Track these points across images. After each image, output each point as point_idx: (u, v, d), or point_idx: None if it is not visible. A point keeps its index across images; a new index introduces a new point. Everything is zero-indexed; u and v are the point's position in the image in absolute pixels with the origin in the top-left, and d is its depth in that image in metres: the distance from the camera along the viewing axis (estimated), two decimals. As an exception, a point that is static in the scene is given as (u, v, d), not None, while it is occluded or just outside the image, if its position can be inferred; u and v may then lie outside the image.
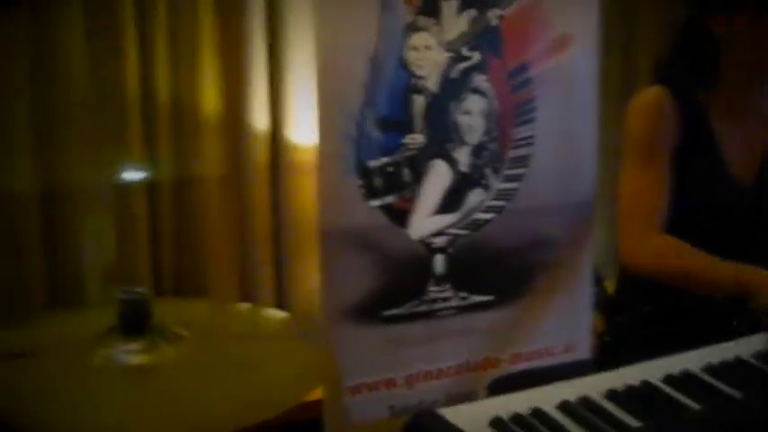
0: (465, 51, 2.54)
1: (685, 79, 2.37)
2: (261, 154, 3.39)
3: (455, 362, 2.68)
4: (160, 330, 1.48)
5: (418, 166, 2.53)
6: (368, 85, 2.42)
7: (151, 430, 1.23)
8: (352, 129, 2.42)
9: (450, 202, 2.60)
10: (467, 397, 2.61)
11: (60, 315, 2.23)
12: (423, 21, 2.47)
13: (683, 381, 1.48)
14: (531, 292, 2.77)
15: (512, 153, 2.67)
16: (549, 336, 2.83)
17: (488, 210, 2.66)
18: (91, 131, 3.14)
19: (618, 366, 1.54)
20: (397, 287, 2.54)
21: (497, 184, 2.66)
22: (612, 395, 1.40)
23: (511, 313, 2.74)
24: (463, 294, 2.65)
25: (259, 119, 3.36)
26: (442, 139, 2.56)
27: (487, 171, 2.64)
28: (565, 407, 1.33)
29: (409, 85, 2.49)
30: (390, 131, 2.48)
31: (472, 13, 2.52)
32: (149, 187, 3.29)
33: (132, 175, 3.24)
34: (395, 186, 2.50)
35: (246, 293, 3.42)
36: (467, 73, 2.55)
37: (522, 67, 2.64)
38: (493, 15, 2.55)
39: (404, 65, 2.47)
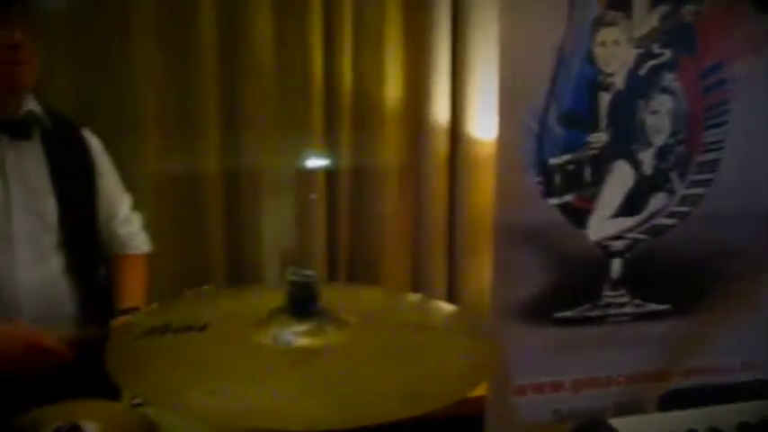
0: (655, 48, 2.44)
1: None
2: (440, 145, 3.39)
3: (626, 371, 2.59)
4: (327, 314, 1.49)
5: (600, 166, 2.45)
6: (552, 78, 2.36)
7: (309, 412, 1.23)
8: (534, 123, 2.37)
9: (632, 204, 2.51)
10: (635, 408, 2.52)
11: (238, 292, 2.29)
12: (612, 15, 2.38)
13: None
14: (709, 304, 2.63)
15: (700, 157, 2.54)
16: (727, 352, 2.68)
17: (671, 215, 2.54)
18: (275, 117, 3.23)
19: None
20: (571, 289, 2.48)
21: (682, 189, 2.54)
22: (797, 420, 1.30)
23: (687, 325, 2.62)
24: (638, 301, 2.55)
25: (440, 110, 3.35)
26: (627, 138, 2.47)
27: (673, 175, 2.52)
28: (744, 429, 1.25)
29: (595, 81, 2.41)
30: (573, 128, 2.41)
31: (665, 8, 2.42)
32: (329, 174, 3.35)
33: (313, 161, 3.30)
34: (575, 185, 2.43)
35: (418, 284, 3.43)
36: (656, 71, 2.45)
37: (716, 67, 2.51)
38: (688, 12, 2.43)
39: (591, 60, 2.39)
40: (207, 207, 3.22)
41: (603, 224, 2.49)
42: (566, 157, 2.41)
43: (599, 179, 2.45)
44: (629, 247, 2.52)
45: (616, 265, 2.52)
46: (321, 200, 3.31)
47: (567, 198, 2.42)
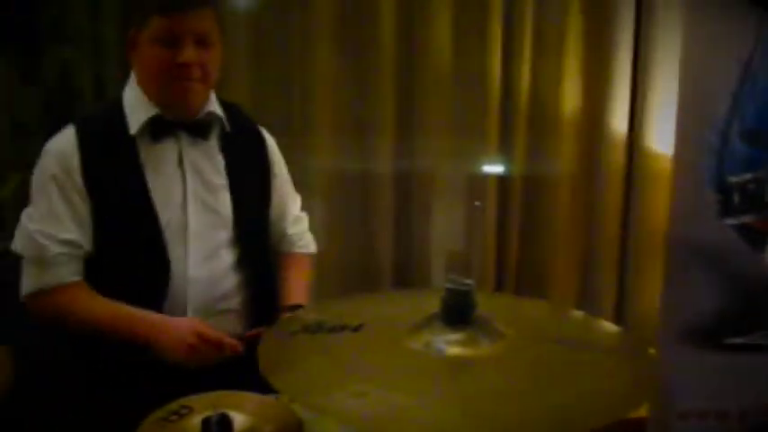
0: None
1: None
2: (616, 157, 3.31)
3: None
4: (483, 325, 1.47)
5: (785, 187, 2.33)
6: (737, 94, 2.26)
7: (457, 423, 1.23)
8: (715, 139, 2.28)
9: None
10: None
11: (402, 295, 2.31)
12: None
13: None
14: None
15: None
16: None
17: None
18: (451, 122, 3.25)
19: None
20: (744, 314, 2.36)
21: None
22: None
23: None
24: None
25: (618, 121, 3.28)
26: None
27: None
28: None
29: (783, 98, 2.29)
30: (757, 146, 2.30)
31: None
32: (501, 181, 3.33)
33: (486, 167, 3.29)
34: (755, 205, 2.32)
35: (584, 299, 3.37)
36: None
37: None
38: None
39: (780, 76, 2.28)
40: (377, 208, 3.27)
41: (785, 248, 2.36)
42: (747, 176, 2.30)
43: (782, 200, 2.33)
44: (812, 274, 2.38)
45: (798, 292, 2.38)
46: (492, 207, 3.30)
47: (746, 218, 2.32)
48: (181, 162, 1.94)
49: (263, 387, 1.42)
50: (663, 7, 3.16)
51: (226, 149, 2.01)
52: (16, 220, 2.03)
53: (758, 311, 2.37)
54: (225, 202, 1.99)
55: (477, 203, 3.25)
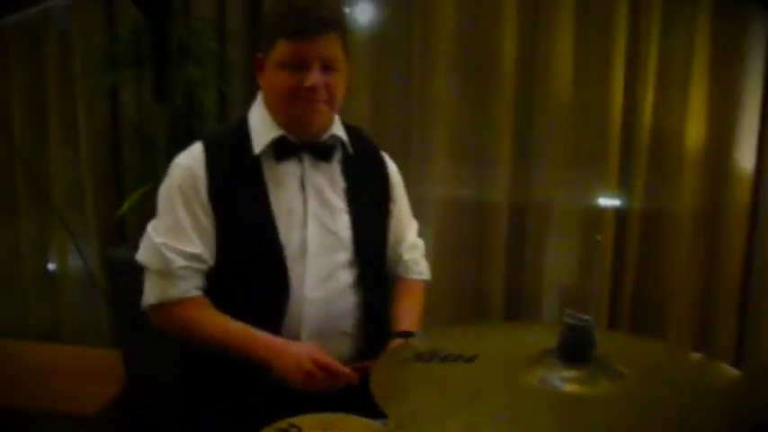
0: None
1: None
2: (741, 194, 3.18)
3: None
4: (601, 363, 1.44)
5: None
6: None
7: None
8: None
9: None
10: None
11: (512, 327, 2.28)
12: None
13: None
14: None
15: None
16: None
17: None
18: (569, 153, 3.21)
19: None
20: None
21: None
22: None
23: None
24: None
25: (744, 157, 3.16)
26: None
27: None
28: None
29: None
30: None
31: None
32: (620, 214, 3.26)
33: (605, 200, 3.23)
34: None
35: (703, 341, 3.25)
36: None
37: None
38: None
39: None
40: (490, 237, 3.25)
41: None
42: None
43: None
44: None
45: None
46: (609, 241, 3.23)
47: None
48: (303, 183, 1.98)
49: (372, 411, 1.42)
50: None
51: (347, 172, 2.04)
52: (137, 231, 2.10)
53: None
54: (344, 224, 2.01)
55: (597, 238, 3.18)
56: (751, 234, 3.22)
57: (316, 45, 1.87)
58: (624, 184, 3.24)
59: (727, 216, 3.21)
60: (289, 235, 1.94)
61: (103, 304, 3.48)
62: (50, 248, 3.70)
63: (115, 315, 3.37)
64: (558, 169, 3.20)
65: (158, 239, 1.92)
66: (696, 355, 1.74)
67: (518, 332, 1.86)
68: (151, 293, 1.94)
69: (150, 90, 3.17)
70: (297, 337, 1.93)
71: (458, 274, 3.25)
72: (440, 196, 3.21)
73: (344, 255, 2.01)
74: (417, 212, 2.34)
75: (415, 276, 2.24)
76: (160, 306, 1.93)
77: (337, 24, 1.91)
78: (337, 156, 2.04)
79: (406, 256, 2.22)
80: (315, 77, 1.87)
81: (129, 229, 3.39)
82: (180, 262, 1.90)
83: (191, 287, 1.92)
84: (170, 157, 2.01)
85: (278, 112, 1.96)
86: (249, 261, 1.92)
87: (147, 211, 3.08)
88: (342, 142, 2.04)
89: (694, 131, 3.18)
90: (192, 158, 1.95)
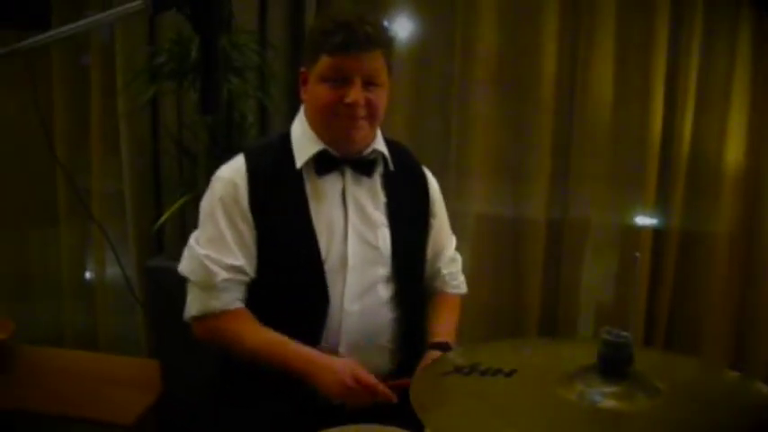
0: None
1: None
2: (780, 216, 3.17)
3: None
4: (639, 379, 1.44)
5: None
6: None
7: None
8: None
9: None
10: None
11: (551, 342, 2.28)
12: None
13: None
14: None
15: None
16: None
17: None
18: (607, 172, 3.21)
19: None
20: None
21: None
22: None
23: None
24: None
25: (783, 178, 3.14)
26: None
27: None
28: None
29: None
30: None
31: None
32: (657, 234, 3.26)
33: (642, 219, 3.23)
34: None
35: (739, 360, 3.23)
36: None
37: None
38: None
39: None
40: (527, 254, 3.26)
41: None
42: None
43: None
44: None
45: None
46: (645, 260, 3.22)
47: None
48: (344, 197, 1.99)
49: (407, 424, 1.43)
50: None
51: (388, 187, 2.05)
52: (174, 242, 2.11)
53: None
54: (384, 238, 2.01)
55: (636, 254, 3.18)
56: (789, 256, 3.20)
57: (358, 61, 1.89)
58: (662, 204, 3.23)
59: (764, 237, 3.20)
60: (329, 248, 1.95)
61: (141, 313, 3.51)
62: (90, 258, 3.74)
63: (152, 324, 3.40)
64: (596, 187, 3.20)
65: (201, 251, 1.94)
66: (731, 373, 1.73)
67: (555, 347, 1.87)
68: (193, 305, 1.96)
69: (190, 102, 3.20)
70: (335, 350, 1.94)
71: (494, 290, 3.25)
72: (477, 212, 3.22)
73: (384, 269, 2.01)
74: (455, 227, 2.34)
75: (453, 290, 2.24)
76: (202, 318, 1.95)
77: (380, 40, 1.92)
78: (379, 170, 2.05)
79: (445, 270, 2.23)
80: (355, 94, 1.89)
81: (166, 240, 3.42)
82: (222, 274, 1.91)
83: (233, 299, 1.94)
84: (209, 169, 2.03)
85: (319, 126, 1.97)
86: (289, 273, 1.93)
87: (185, 222, 3.14)
88: (383, 157, 2.05)
89: (732, 153, 3.18)
90: (234, 171, 1.96)
